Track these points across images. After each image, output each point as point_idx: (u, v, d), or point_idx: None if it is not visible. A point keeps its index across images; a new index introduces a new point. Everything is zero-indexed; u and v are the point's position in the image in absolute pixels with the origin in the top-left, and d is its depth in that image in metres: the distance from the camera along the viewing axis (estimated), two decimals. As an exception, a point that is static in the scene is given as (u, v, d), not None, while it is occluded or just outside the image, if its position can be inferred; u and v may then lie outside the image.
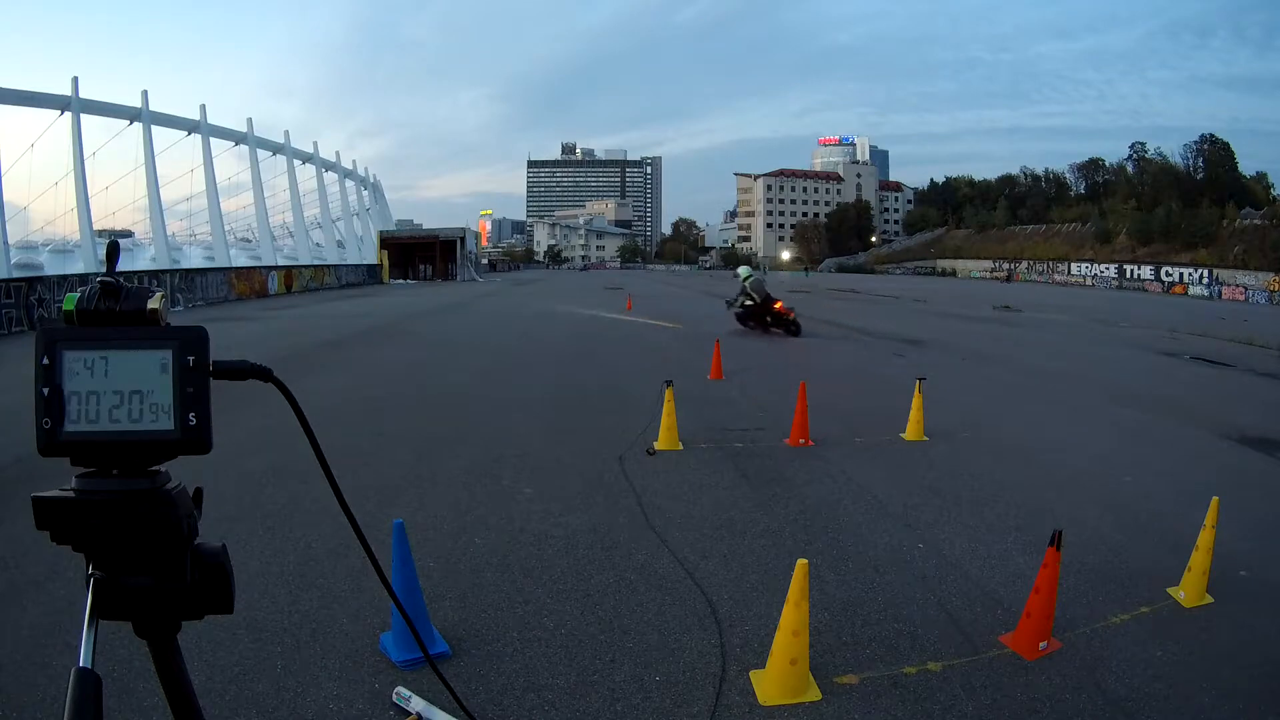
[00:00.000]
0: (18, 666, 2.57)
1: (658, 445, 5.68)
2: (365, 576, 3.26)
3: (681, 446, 5.69)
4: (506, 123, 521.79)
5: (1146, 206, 63.14)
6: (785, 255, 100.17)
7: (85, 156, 28.46)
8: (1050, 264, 66.25)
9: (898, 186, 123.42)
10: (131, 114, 31.73)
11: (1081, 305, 29.35)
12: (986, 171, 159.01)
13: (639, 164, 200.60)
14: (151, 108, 32.27)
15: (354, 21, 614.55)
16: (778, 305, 14.12)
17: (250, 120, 39.37)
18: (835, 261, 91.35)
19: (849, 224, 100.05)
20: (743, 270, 15.45)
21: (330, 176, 50.13)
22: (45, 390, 0.70)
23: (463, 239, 50.45)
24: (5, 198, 25.04)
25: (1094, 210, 70.56)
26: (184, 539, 0.75)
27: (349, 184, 53.60)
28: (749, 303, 14.40)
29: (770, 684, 2.53)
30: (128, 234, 41.18)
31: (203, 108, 36.11)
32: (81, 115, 28.54)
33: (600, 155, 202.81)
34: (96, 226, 29.67)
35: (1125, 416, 7.56)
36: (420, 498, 4.50)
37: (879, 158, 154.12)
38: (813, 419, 6.07)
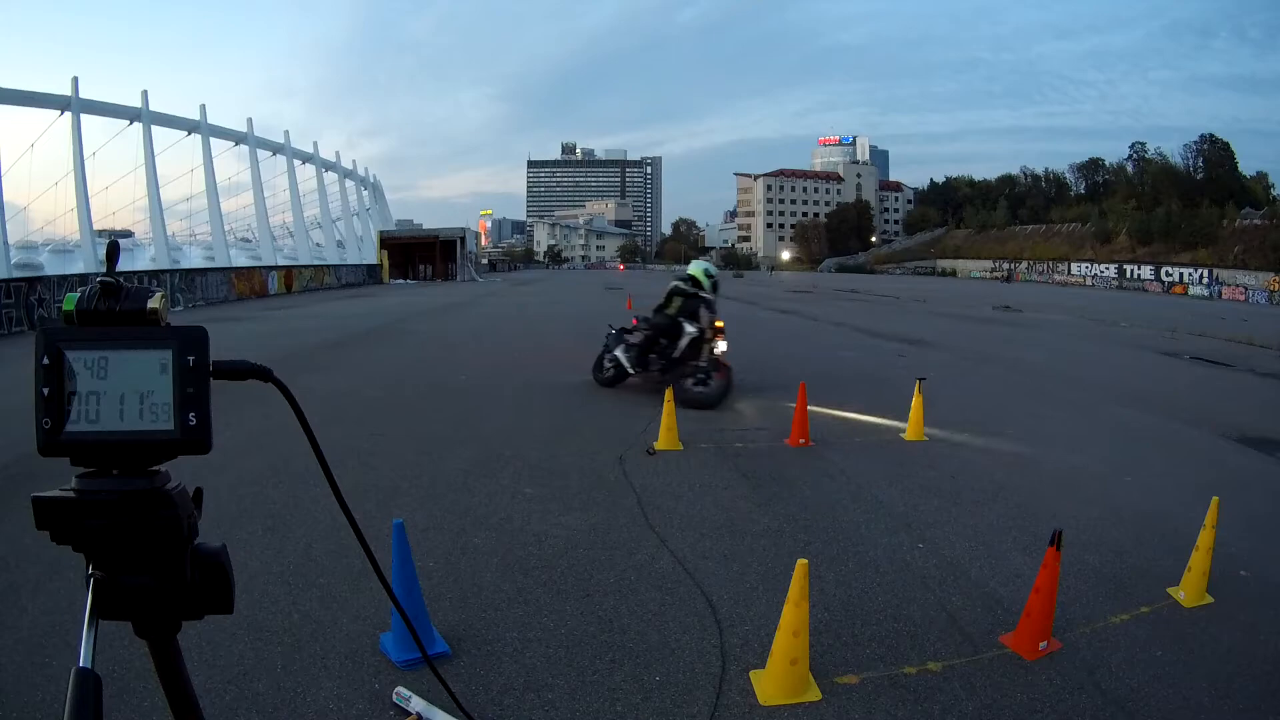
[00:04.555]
0: (18, 666, 2.57)
1: (658, 445, 5.68)
2: (365, 576, 3.26)
3: (681, 446, 5.69)
4: (506, 123, 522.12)
5: (1146, 206, 63.14)
6: (785, 255, 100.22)
7: (85, 156, 28.38)
8: (1050, 264, 66.27)
9: (898, 186, 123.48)
10: (131, 114, 31.65)
11: (1081, 305, 29.35)
12: (986, 171, 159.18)
13: (639, 164, 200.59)
14: (151, 108, 32.16)
15: (354, 21, 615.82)
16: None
17: (250, 120, 39.31)
18: (835, 261, 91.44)
19: (849, 224, 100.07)
20: (699, 266, 8.27)
21: (330, 176, 50.06)
22: (45, 390, 0.70)
23: (463, 239, 50.42)
24: (5, 198, 24.99)
25: (1094, 210, 70.55)
26: (184, 539, 0.75)
27: (349, 184, 53.52)
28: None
29: (770, 684, 2.53)
30: (128, 234, 41.04)
31: (203, 108, 36.04)
32: (81, 115, 28.46)
33: (600, 155, 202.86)
34: (96, 226, 29.57)
35: (1125, 416, 7.56)
36: (420, 498, 4.50)
37: (879, 158, 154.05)
38: (813, 419, 6.08)
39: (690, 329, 7.56)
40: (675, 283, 7.95)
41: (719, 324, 7.66)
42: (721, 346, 7.61)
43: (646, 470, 5.15)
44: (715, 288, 7.98)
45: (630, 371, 7.97)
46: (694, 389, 7.33)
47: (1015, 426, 6.93)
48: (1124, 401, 8.36)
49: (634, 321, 8.18)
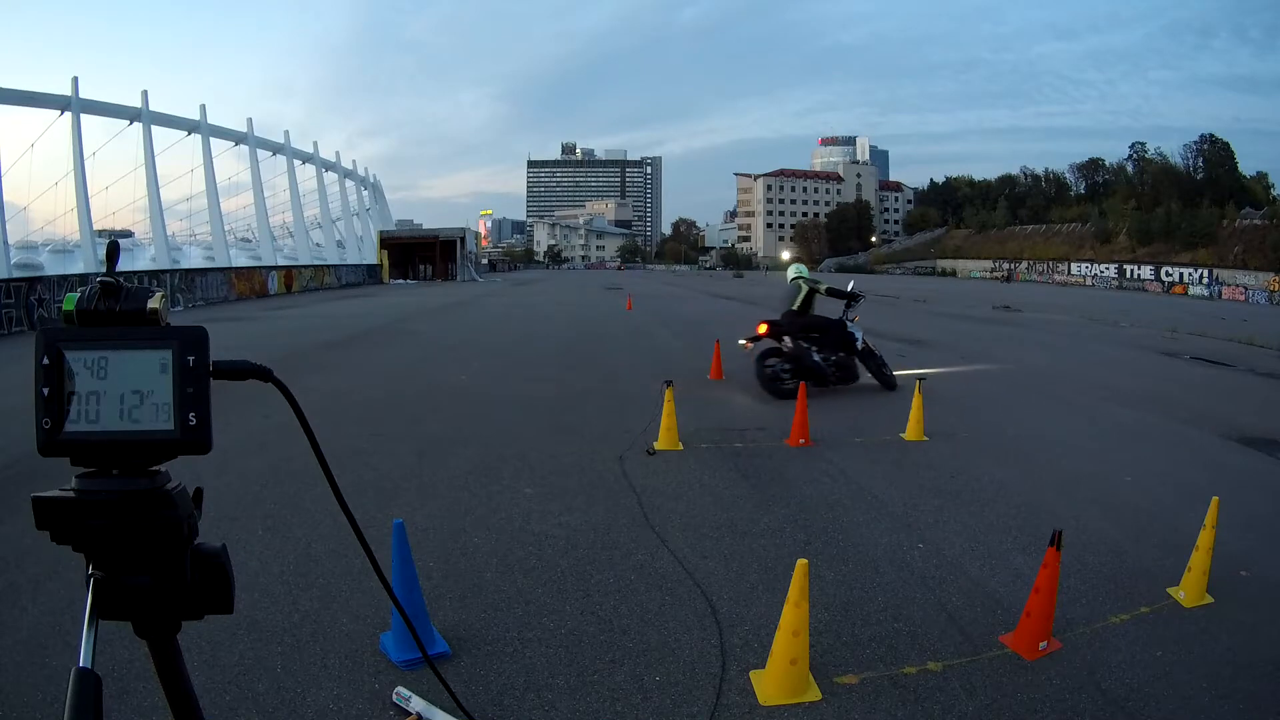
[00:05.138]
0: (18, 666, 2.57)
1: (658, 445, 5.68)
2: (365, 576, 3.26)
3: (681, 446, 5.69)
4: (507, 123, 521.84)
5: (1146, 206, 63.15)
6: (785, 255, 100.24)
7: (85, 156, 28.36)
8: (1050, 264, 66.29)
9: (898, 186, 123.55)
10: (131, 114, 31.64)
11: (1081, 305, 29.34)
12: (986, 171, 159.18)
13: (639, 164, 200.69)
14: (151, 108, 32.15)
15: (355, 21, 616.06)
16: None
17: (250, 120, 39.28)
18: (835, 261, 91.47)
19: (849, 224, 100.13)
20: (795, 270, 8.90)
21: (330, 176, 50.05)
22: (45, 390, 0.70)
23: (463, 239, 50.47)
24: (5, 198, 24.99)
25: (1094, 210, 70.59)
26: (184, 539, 0.75)
27: (349, 184, 53.51)
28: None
29: (770, 684, 2.53)
30: (128, 234, 41.04)
31: (203, 108, 36.03)
32: (81, 115, 28.44)
33: (600, 155, 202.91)
34: (96, 226, 29.54)
35: (1125, 416, 7.56)
36: (420, 498, 4.50)
37: (879, 158, 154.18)
38: (813, 419, 6.07)
39: (852, 326, 8.35)
40: (807, 286, 8.39)
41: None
42: None
43: (646, 470, 5.15)
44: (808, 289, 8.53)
45: (828, 375, 8.06)
46: (886, 374, 8.41)
47: (1015, 426, 6.93)
48: (1124, 401, 8.36)
49: (763, 328, 8.02)
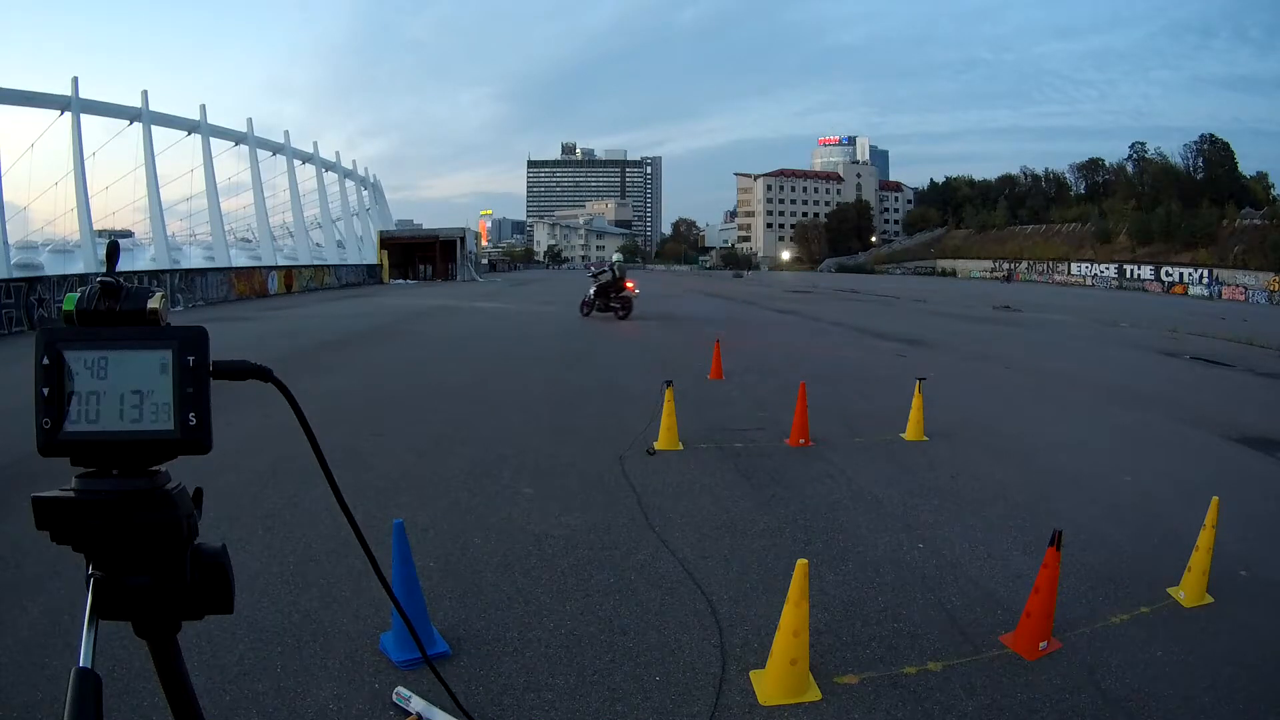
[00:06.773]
0: (18, 666, 2.57)
1: (658, 445, 5.68)
2: (365, 576, 3.26)
3: (681, 446, 5.69)
4: (506, 123, 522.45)
5: (1146, 206, 63.13)
6: (785, 255, 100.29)
7: (85, 156, 28.33)
8: (1050, 264, 66.31)
9: (898, 186, 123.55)
10: (131, 114, 31.61)
11: (1081, 305, 29.34)
12: (986, 171, 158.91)
13: (639, 164, 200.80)
14: (151, 108, 32.12)
15: (355, 21, 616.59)
16: (627, 284, 17.36)
17: (250, 120, 39.26)
18: (835, 261, 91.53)
19: (849, 224, 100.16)
20: (616, 256, 18.87)
21: (330, 176, 50.01)
22: (45, 390, 0.70)
23: (463, 239, 50.41)
24: (5, 198, 24.98)
25: (1094, 210, 70.61)
26: (184, 539, 0.75)
27: (349, 184, 53.46)
28: (605, 277, 17.64)
29: (770, 684, 2.53)
30: (128, 234, 40.98)
31: (203, 108, 36.00)
32: (81, 115, 28.41)
33: (600, 155, 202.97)
34: (96, 226, 29.51)
35: (1125, 416, 7.56)
36: (420, 498, 4.50)
37: (879, 158, 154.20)
38: (813, 419, 6.08)
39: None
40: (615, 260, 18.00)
41: (629, 283, 17.41)
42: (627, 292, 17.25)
43: (646, 470, 5.15)
44: (619, 268, 17.75)
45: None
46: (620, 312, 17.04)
47: (1015, 426, 6.93)
48: (1124, 401, 8.36)
49: (631, 284, 17.34)
